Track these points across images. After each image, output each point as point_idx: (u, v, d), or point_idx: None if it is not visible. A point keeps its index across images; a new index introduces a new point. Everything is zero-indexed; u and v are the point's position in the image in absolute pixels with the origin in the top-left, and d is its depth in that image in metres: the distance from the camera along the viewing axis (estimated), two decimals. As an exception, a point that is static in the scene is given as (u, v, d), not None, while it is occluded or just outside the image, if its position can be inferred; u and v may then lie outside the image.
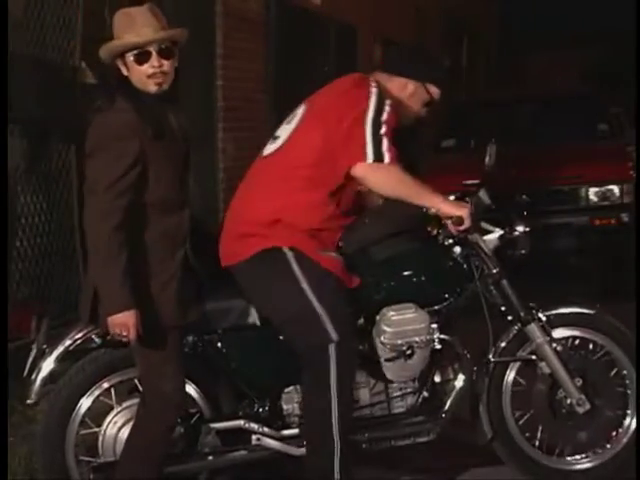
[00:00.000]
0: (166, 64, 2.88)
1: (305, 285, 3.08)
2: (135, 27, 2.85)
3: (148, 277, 2.88)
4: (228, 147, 6.82)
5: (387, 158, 3.08)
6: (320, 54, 9.53)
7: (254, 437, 3.21)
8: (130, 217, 2.81)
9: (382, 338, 3.21)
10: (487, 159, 3.53)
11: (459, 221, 3.16)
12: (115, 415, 3.20)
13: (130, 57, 2.86)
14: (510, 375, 3.45)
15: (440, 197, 3.19)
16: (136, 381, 3.20)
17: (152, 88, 2.87)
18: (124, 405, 3.20)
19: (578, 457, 3.49)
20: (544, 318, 3.38)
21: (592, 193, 7.87)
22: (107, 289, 2.80)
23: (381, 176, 3.11)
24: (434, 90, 3.33)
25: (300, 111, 3.27)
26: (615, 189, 7.91)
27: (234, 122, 6.90)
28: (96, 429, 3.20)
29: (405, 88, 3.30)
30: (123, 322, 2.76)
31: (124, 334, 2.78)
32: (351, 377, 3.16)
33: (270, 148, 3.26)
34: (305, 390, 3.16)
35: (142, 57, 2.85)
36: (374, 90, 3.17)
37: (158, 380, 2.96)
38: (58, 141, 4.94)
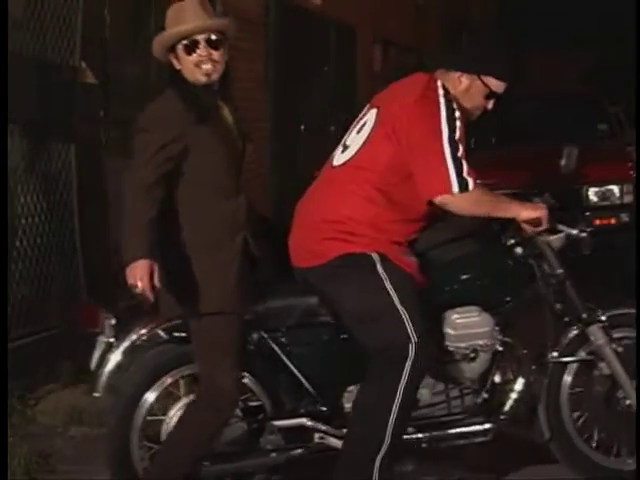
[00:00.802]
0: (215, 54, 2.92)
1: (388, 285, 3.08)
2: (183, 18, 2.92)
3: (208, 261, 2.91)
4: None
5: (471, 185, 3.06)
6: (320, 54, 9.54)
7: (316, 435, 3.23)
8: (186, 200, 2.91)
9: (446, 341, 3.22)
10: (563, 161, 3.55)
11: (537, 222, 3.16)
12: (182, 406, 3.19)
13: (180, 48, 2.92)
14: (568, 375, 3.45)
15: (517, 203, 3.19)
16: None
17: (201, 78, 2.92)
18: (191, 397, 3.19)
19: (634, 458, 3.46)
20: (604, 319, 3.37)
21: (592, 193, 7.86)
22: (126, 239, 2.83)
23: (462, 201, 3.10)
24: (493, 82, 3.21)
25: (369, 118, 3.25)
26: (615, 189, 7.91)
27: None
28: (162, 417, 3.21)
29: (460, 83, 3.21)
30: (136, 271, 2.75)
31: (138, 284, 2.75)
32: (420, 380, 3.14)
33: (341, 158, 3.25)
34: (369, 387, 3.12)
35: (190, 46, 2.90)
36: (442, 99, 3.13)
37: (215, 374, 2.97)
38: (58, 141, 4.94)
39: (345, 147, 3.27)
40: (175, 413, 3.17)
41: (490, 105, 3.26)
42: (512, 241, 3.29)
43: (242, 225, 2.98)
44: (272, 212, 7.06)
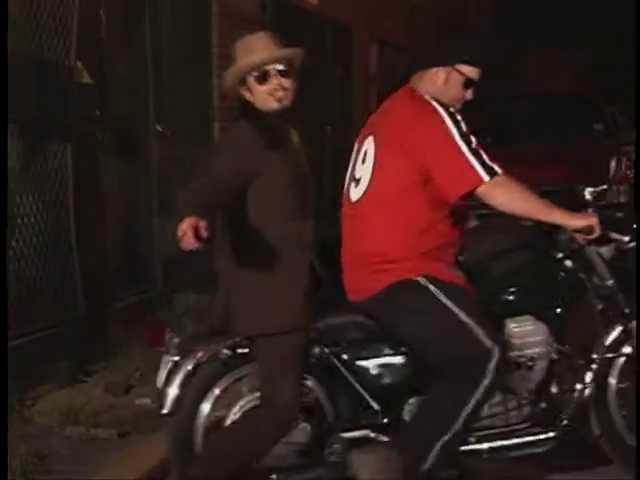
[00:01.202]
0: (285, 82, 3.03)
1: (449, 302, 3.11)
2: (254, 49, 3.03)
3: (277, 281, 3.01)
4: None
5: (498, 169, 3.07)
6: (316, 54, 9.52)
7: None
8: (255, 223, 3.01)
9: None
10: (612, 169, 3.53)
11: (589, 231, 3.16)
12: (239, 409, 3.24)
13: (252, 79, 3.02)
14: (615, 372, 3.48)
15: (565, 212, 3.19)
16: None
17: (273, 105, 3.03)
18: (248, 399, 3.25)
19: None
20: None
21: (588, 193, 7.86)
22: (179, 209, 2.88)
23: (505, 193, 3.09)
24: (467, 69, 3.23)
25: (369, 147, 3.26)
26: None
27: (231, 122, 6.88)
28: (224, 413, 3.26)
29: (437, 77, 3.24)
30: (182, 226, 2.75)
31: (181, 234, 2.75)
32: (500, 381, 3.16)
33: (358, 192, 3.27)
34: (446, 383, 3.13)
35: (263, 77, 3.01)
36: (433, 101, 3.16)
37: (278, 391, 3.05)
38: (54, 141, 4.93)
39: (357, 181, 3.29)
40: (238, 410, 3.23)
41: (469, 95, 3.28)
42: (561, 255, 3.31)
43: (309, 246, 3.08)
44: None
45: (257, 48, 3.02)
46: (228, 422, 3.24)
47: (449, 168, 3.07)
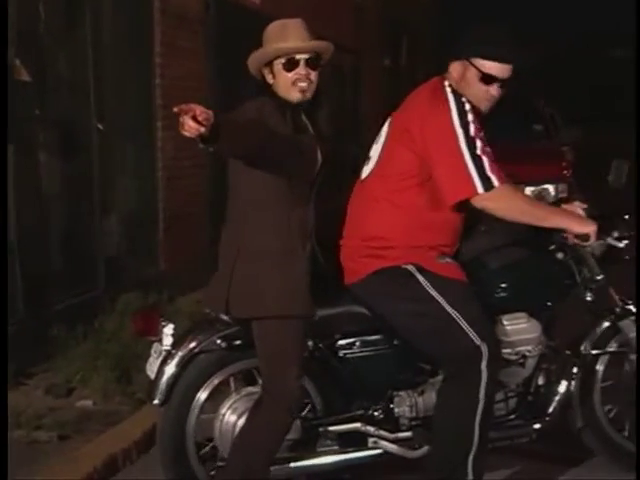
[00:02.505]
0: (312, 73, 3.02)
1: (434, 292, 3.10)
2: (286, 35, 3.02)
3: (279, 266, 3.00)
4: (167, 146, 6.76)
5: (495, 181, 3.02)
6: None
7: (370, 440, 3.30)
8: (262, 206, 2.99)
9: None
10: (611, 177, 3.56)
11: (586, 238, 3.17)
12: (232, 404, 3.26)
13: (279, 64, 3.01)
14: (600, 366, 3.54)
15: (565, 215, 3.20)
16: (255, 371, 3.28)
17: (296, 95, 3.02)
18: (242, 393, 3.27)
19: None
20: (636, 311, 3.46)
21: (528, 192, 8.01)
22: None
23: (504, 204, 3.06)
24: (484, 64, 3.10)
25: (385, 128, 3.27)
26: (550, 188, 8.08)
27: (173, 121, 6.83)
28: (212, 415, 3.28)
29: (455, 71, 3.17)
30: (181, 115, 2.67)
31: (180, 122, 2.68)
32: (497, 375, 3.18)
33: (366, 170, 3.28)
34: (449, 390, 3.14)
35: (290, 64, 3.00)
36: (450, 95, 3.10)
37: (282, 376, 3.03)
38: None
39: (369, 159, 3.30)
40: (226, 410, 3.25)
41: (494, 91, 3.14)
42: (554, 246, 3.34)
43: (311, 233, 3.09)
44: (210, 205, 7.04)
45: (291, 35, 3.02)
46: (218, 420, 3.24)
47: (447, 174, 3.04)
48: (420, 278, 3.12)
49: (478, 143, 3.04)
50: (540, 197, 7.77)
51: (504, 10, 18.90)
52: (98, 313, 5.34)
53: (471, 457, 3.09)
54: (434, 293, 3.10)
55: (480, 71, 3.12)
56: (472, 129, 3.05)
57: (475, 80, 3.14)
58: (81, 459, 3.74)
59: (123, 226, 6.36)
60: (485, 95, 3.15)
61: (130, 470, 3.85)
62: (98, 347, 4.82)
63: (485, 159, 3.04)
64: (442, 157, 3.05)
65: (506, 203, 3.07)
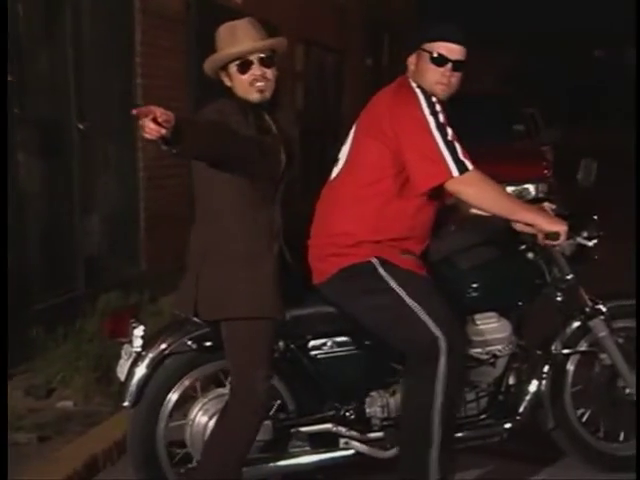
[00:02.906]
0: (268, 72, 3.02)
1: (394, 284, 3.10)
2: (236, 39, 3.01)
3: (247, 267, 2.99)
4: (148, 146, 6.73)
5: (469, 165, 3.04)
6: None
7: (342, 440, 3.30)
8: (228, 208, 2.99)
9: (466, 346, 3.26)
10: (580, 175, 3.57)
11: (555, 237, 3.16)
12: (202, 406, 3.26)
13: (233, 67, 3.02)
14: (571, 366, 3.56)
15: (536, 212, 3.19)
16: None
17: (255, 96, 3.01)
18: (209, 396, 3.27)
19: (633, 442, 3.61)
20: (605, 310, 3.48)
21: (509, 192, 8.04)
22: None
23: (477, 190, 3.05)
24: (435, 45, 3.15)
25: (353, 129, 3.28)
26: (531, 188, 8.11)
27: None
28: (183, 421, 3.28)
29: (411, 64, 3.23)
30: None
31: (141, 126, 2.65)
32: (461, 372, 3.17)
33: (335, 171, 3.29)
34: (408, 385, 3.15)
35: (244, 66, 3.00)
36: (417, 89, 3.13)
37: (251, 377, 3.03)
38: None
39: (337, 161, 3.31)
40: (197, 413, 3.25)
41: (447, 73, 3.14)
42: (524, 246, 3.35)
43: (278, 233, 3.08)
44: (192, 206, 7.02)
45: (241, 37, 3.01)
46: (189, 423, 3.25)
47: (421, 159, 3.05)
48: (381, 271, 3.13)
49: (449, 130, 3.06)
50: (520, 197, 7.81)
51: (485, 10, 18.98)
52: (78, 314, 5.32)
53: (433, 455, 3.07)
54: (394, 285, 3.10)
55: (430, 53, 3.16)
56: (442, 117, 3.08)
57: (427, 63, 3.17)
58: (61, 460, 3.73)
59: (104, 226, 6.34)
60: (439, 77, 3.15)
61: (111, 471, 3.84)
62: (79, 348, 4.81)
63: (457, 144, 3.05)
64: (414, 144, 3.05)
65: (479, 188, 3.06)
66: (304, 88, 11.43)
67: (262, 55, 3.00)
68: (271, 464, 3.26)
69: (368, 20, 14.81)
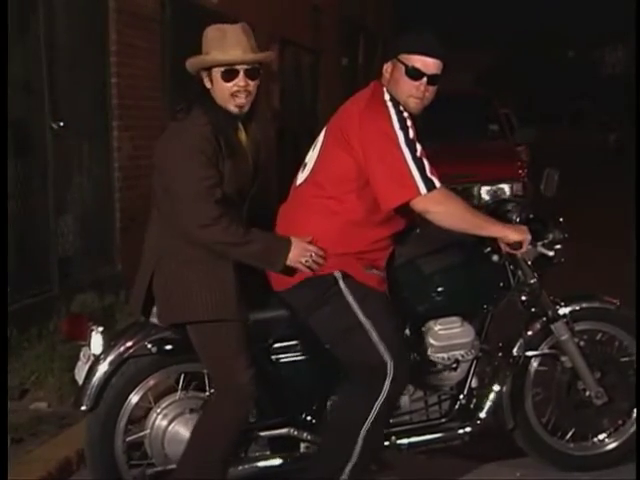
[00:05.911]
0: (251, 84, 2.97)
1: (351, 300, 3.08)
2: (226, 45, 2.94)
3: (207, 270, 2.97)
4: (123, 146, 6.71)
5: (437, 182, 3.01)
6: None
7: (302, 445, 3.27)
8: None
9: (428, 351, 3.26)
10: (542, 185, 3.58)
11: (518, 246, 3.18)
12: (157, 415, 3.22)
13: (217, 72, 2.95)
14: (532, 368, 3.58)
15: (501, 225, 3.19)
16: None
17: (233, 108, 2.97)
18: (163, 405, 3.23)
19: (595, 442, 3.67)
20: (567, 313, 3.50)
21: (484, 192, 8.10)
22: None
23: (445, 208, 3.03)
24: (411, 58, 3.09)
25: (321, 135, 3.23)
26: (505, 187, 8.17)
27: (129, 121, 6.79)
28: (142, 433, 3.23)
29: (387, 72, 3.17)
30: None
31: None
32: (398, 397, 3.18)
33: (301, 177, 3.24)
34: (345, 400, 3.15)
35: (229, 74, 2.94)
36: (389, 102, 3.09)
37: (231, 375, 3.00)
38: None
39: (304, 166, 3.26)
40: (153, 422, 3.21)
41: (422, 87, 3.09)
42: (488, 249, 3.34)
43: None
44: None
45: (231, 44, 2.94)
46: (147, 433, 3.21)
47: (388, 176, 3.00)
48: (342, 285, 3.11)
49: (418, 146, 3.03)
50: (496, 196, 7.87)
51: (459, 10, 19.07)
52: (53, 314, 5.28)
53: (346, 470, 3.08)
54: (351, 301, 3.09)
55: (405, 65, 3.10)
56: (411, 133, 3.03)
57: (402, 75, 3.11)
58: (35, 462, 3.70)
59: (78, 226, 6.30)
60: (413, 91, 3.10)
61: (84, 473, 3.80)
62: (53, 349, 4.77)
63: (425, 161, 3.02)
64: (381, 160, 3.00)
65: (446, 207, 3.04)
66: (280, 88, 11.41)
67: (249, 67, 2.96)
68: (231, 468, 3.22)
69: (344, 20, 14.82)
